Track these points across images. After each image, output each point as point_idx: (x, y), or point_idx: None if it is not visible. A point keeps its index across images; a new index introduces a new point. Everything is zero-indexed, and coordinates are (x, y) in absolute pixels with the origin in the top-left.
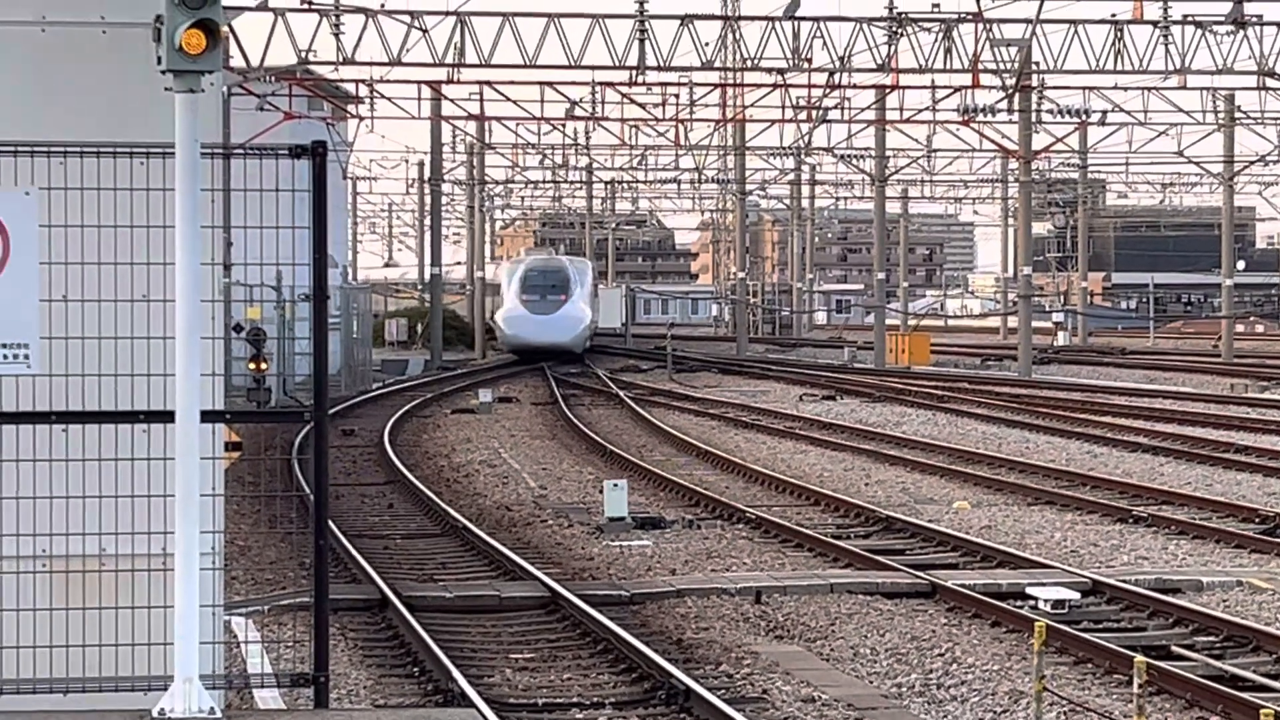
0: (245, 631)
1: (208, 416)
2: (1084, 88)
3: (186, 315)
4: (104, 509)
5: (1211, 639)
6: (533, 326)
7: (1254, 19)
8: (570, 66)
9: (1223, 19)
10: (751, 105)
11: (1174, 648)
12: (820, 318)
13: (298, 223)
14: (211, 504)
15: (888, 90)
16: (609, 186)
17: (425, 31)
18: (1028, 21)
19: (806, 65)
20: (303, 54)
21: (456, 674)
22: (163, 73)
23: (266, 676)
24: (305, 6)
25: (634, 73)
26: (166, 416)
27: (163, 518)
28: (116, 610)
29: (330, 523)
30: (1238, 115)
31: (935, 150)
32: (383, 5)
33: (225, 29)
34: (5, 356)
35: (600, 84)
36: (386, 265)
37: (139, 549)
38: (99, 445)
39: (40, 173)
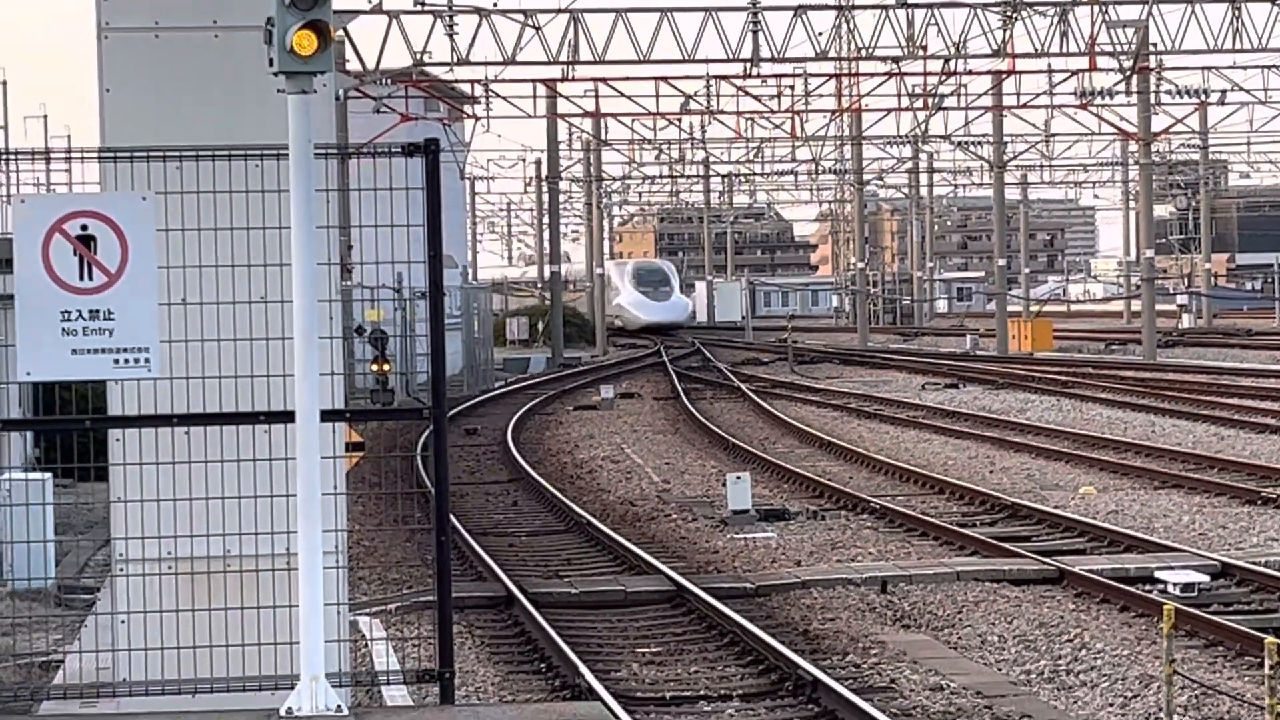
0: (371, 630)
1: (328, 416)
2: (1203, 67)
3: (304, 315)
4: (227, 510)
5: None
6: (655, 310)
7: None
8: (684, 61)
9: None
10: (867, 94)
11: None
12: (941, 306)
13: (415, 224)
14: (334, 503)
15: (1004, 75)
16: (726, 180)
17: (539, 29)
18: (1144, 2)
19: (921, 53)
20: (418, 55)
21: (583, 669)
22: (275, 75)
23: (392, 674)
24: (419, 8)
25: (748, 65)
26: (287, 417)
27: (286, 518)
28: (242, 610)
29: (455, 521)
30: None
31: (1053, 135)
32: (495, 4)
33: (339, 32)
34: (126, 361)
35: (715, 77)
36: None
37: (263, 549)
38: (221, 447)
39: (156, 177)
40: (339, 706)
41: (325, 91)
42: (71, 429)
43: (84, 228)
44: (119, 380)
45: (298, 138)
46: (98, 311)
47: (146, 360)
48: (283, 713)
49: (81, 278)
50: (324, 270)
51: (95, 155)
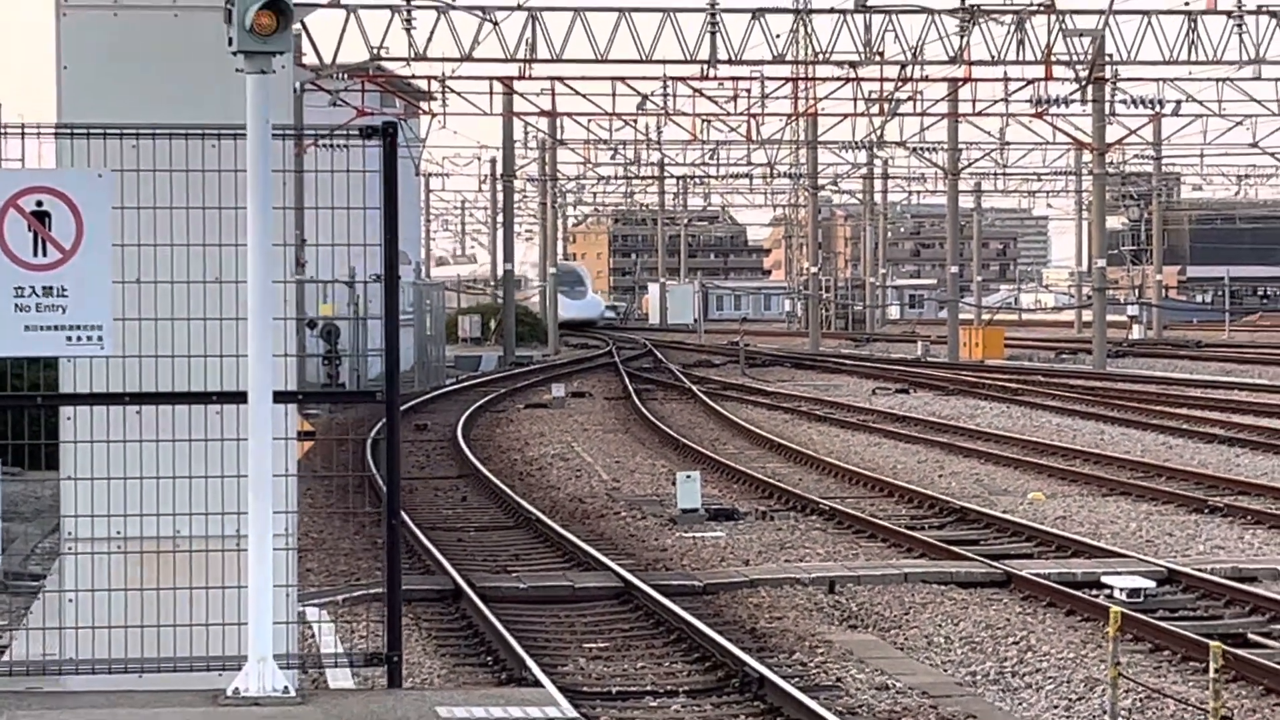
0: (320, 620)
1: (280, 397)
2: (1158, 79)
3: (258, 296)
4: (178, 490)
5: None
6: (571, 308)
7: None
8: (641, 61)
9: None
10: (823, 99)
11: (1251, 635)
12: (893, 313)
13: (372, 206)
14: (285, 485)
15: (960, 82)
16: (681, 182)
17: (496, 25)
18: (1100, 12)
19: (878, 58)
20: (375, 50)
21: (530, 663)
22: (234, 54)
23: (340, 657)
24: (377, 2)
25: (705, 67)
26: (239, 397)
27: (236, 499)
28: (190, 591)
29: (404, 514)
30: None
31: (1008, 143)
32: (453, 0)
33: (298, 25)
34: (79, 338)
35: (671, 78)
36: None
37: (213, 530)
38: (172, 427)
39: (113, 155)
40: (286, 688)
41: (284, 73)
42: (23, 405)
43: (39, 204)
44: (71, 358)
45: (255, 117)
46: (51, 288)
47: (100, 338)
48: (229, 693)
49: (35, 254)
50: (279, 251)
51: (52, 131)
